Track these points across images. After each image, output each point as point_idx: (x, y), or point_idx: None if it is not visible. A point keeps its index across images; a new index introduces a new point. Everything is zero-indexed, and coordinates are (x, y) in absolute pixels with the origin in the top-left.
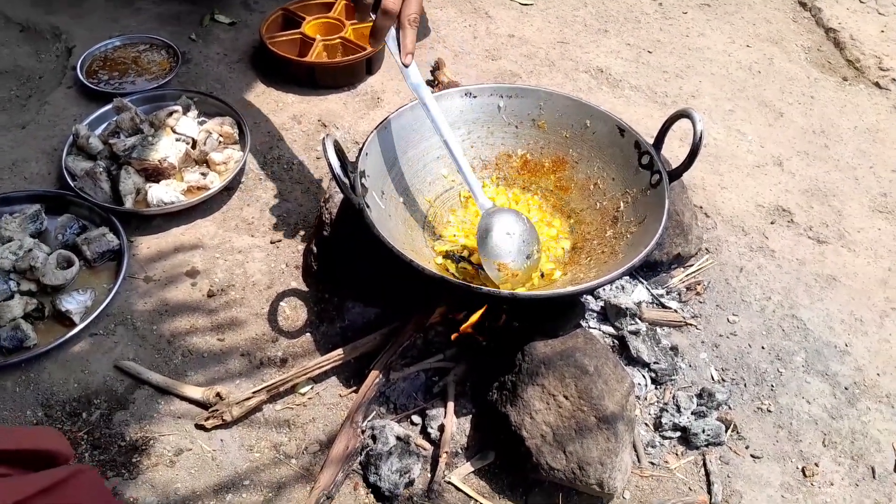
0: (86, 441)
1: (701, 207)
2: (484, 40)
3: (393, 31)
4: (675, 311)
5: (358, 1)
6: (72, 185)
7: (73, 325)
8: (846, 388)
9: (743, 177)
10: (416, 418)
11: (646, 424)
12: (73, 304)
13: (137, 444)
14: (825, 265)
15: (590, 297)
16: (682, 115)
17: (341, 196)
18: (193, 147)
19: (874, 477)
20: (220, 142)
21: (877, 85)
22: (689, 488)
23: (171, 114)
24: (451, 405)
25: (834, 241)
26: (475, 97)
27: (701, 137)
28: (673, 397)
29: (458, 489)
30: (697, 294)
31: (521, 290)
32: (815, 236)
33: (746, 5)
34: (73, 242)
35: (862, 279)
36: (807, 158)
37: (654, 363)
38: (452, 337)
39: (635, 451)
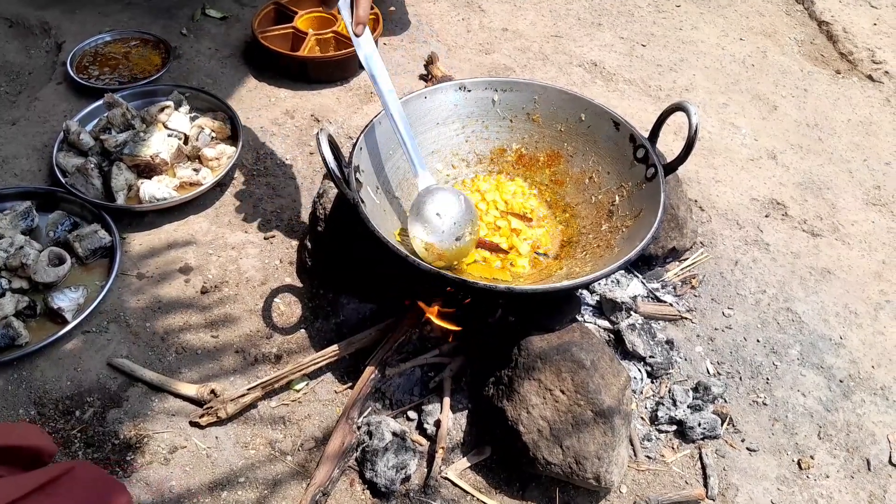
0: (79, 439)
1: (695, 201)
2: (477, 34)
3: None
4: (671, 304)
5: None
6: (63, 181)
7: (66, 322)
8: (841, 381)
9: (737, 170)
10: (413, 414)
11: (642, 418)
12: (65, 301)
13: (131, 441)
14: (819, 258)
15: (585, 292)
16: (678, 108)
17: (335, 191)
18: (185, 143)
19: (869, 469)
20: (212, 137)
21: (870, 78)
22: (686, 482)
23: (162, 109)
24: (447, 400)
25: (828, 234)
26: (469, 91)
27: (696, 130)
28: (669, 391)
29: (454, 484)
30: (692, 288)
31: (517, 285)
32: (810, 229)
33: None
34: (65, 239)
35: (856, 272)
36: (801, 151)
37: (650, 357)
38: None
39: (632, 444)
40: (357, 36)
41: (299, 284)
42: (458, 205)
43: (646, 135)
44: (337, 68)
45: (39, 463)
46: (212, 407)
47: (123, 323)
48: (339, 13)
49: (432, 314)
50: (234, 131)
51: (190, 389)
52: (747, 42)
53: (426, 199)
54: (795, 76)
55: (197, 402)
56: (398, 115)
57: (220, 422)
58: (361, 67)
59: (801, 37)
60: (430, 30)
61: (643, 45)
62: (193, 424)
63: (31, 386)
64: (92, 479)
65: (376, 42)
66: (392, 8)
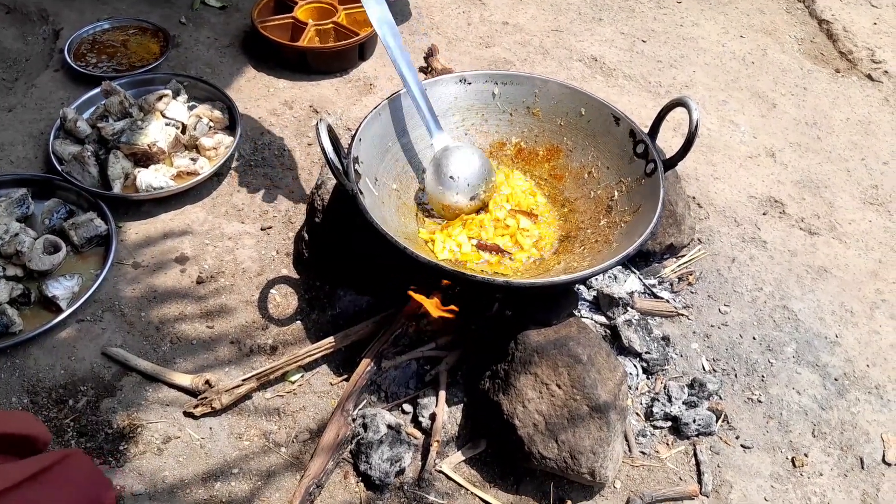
0: (72, 428)
1: (694, 198)
2: (478, 27)
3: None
4: (667, 301)
5: None
6: (59, 169)
7: (60, 310)
8: (836, 379)
9: (736, 167)
10: (408, 407)
11: (637, 414)
12: (59, 289)
13: (125, 431)
14: (816, 256)
15: (582, 286)
16: (678, 103)
17: (333, 182)
18: (183, 132)
19: (863, 467)
20: (210, 127)
21: (869, 77)
22: (680, 478)
23: (160, 98)
24: (442, 394)
25: (825, 233)
26: (470, 83)
27: (697, 126)
28: (664, 387)
29: (448, 478)
30: (689, 284)
31: (515, 279)
32: (807, 228)
33: None
34: (61, 227)
35: (853, 271)
36: (799, 150)
37: (646, 353)
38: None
39: (626, 440)
40: None
41: (296, 276)
42: (474, 164)
43: (645, 130)
44: (336, 59)
45: (34, 451)
46: (206, 397)
47: (118, 312)
48: None
49: (430, 304)
50: (232, 121)
51: (184, 380)
52: (748, 39)
53: (442, 160)
54: (795, 74)
55: (191, 392)
56: (412, 77)
57: (215, 412)
58: (361, 58)
59: (802, 35)
60: (430, 22)
61: (644, 41)
62: (187, 415)
63: (25, 374)
64: (84, 472)
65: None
66: None
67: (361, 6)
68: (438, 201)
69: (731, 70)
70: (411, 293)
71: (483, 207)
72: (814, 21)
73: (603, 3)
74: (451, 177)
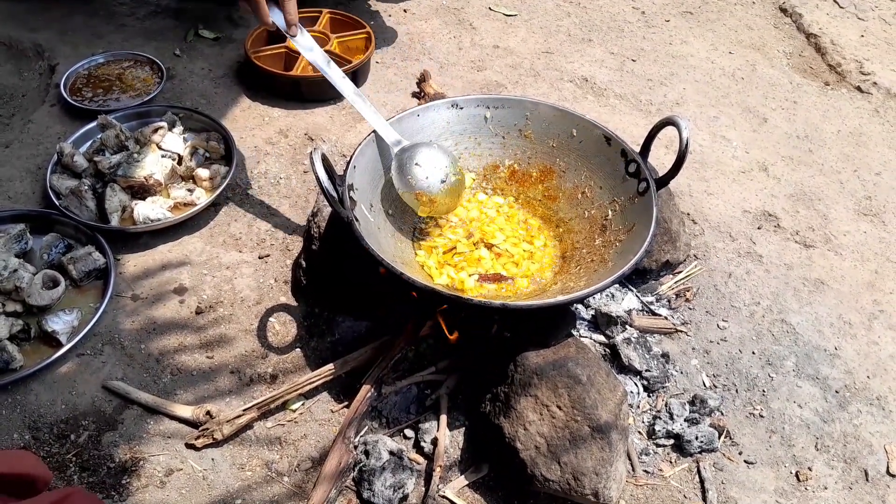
0: (74, 463)
1: (688, 214)
2: (469, 51)
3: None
4: (666, 318)
5: None
6: (57, 203)
7: (60, 345)
8: (837, 392)
9: (729, 182)
10: (409, 432)
11: (639, 433)
12: (59, 324)
13: (127, 465)
14: (813, 269)
15: (580, 306)
16: (668, 122)
17: (329, 210)
18: (179, 163)
19: (867, 480)
20: (206, 157)
21: (858, 89)
22: (684, 496)
23: (156, 130)
24: (443, 418)
25: (820, 245)
26: (462, 108)
27: (687, 145)
28: (665, 405)
29: (452, 503)
30: (687, 301)
31: (512, 301)
32: (802, 240)
33: (728, 12)
34: (59, 262)
35: (849, 282)
36: (791, 163)
37: (646, 371)
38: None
39: (629, 459)
40: (292, 37)
41: (294, 303)
42: (434, 151)
43: (637, 149)
44: (330, 87)
45: (34, 491)
46: (207, 428)
47: (118, 345)
48: (277, 25)
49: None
50: (227, 151)
51: (185, 411)
52: (737, 55)
53: (403, 156)
54: (785, 88)
55: (192, 423)
56: (355, 96)
57: (216, 443)
58: (355, 85)
59: (790, 49)
60: (422, 47)
61: (633, 60)
62: (189, 446)
63: (26, 410)
64: None
65: (370, 61)
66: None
67: (353, 34)
68: (411, 194)
69: (721, 86)
70: (439, 317)
71: (456, 197)
72: (801, 35)
73: (592, 23)
74: (416, 163)
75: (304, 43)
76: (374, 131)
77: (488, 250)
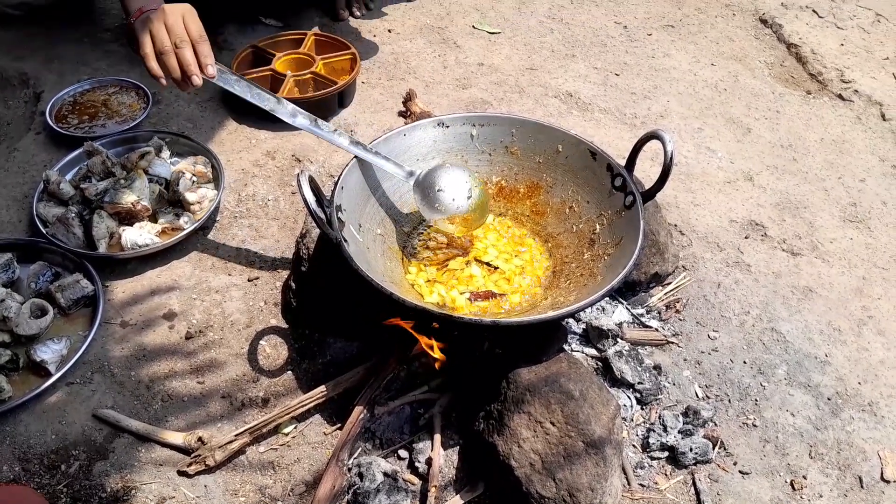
0: (65, 494)
1: (675, 226)
2: (454, 70)
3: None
4: (656, 329)
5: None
6: (44, 231)
7: (49, 374)
8: (829, 399)
9: (715, 193)
10: (403, 452)
11: (633, 446)
12: (47, 353)
13: (119, 494)
14: (801, 277)
15: (571, 320)
16: (653, 136)
17: (318, 231)
18: (167, 188)
19: (862, 486)
20: (193, 181)
21: (840, 97)
22: None
23: (142, 156)
24: (437, 437)
25: (808, 253)
26: (448, 127)
27: (672, 158)
28: (659, 417)
29: None
30: (677, 312)
31: (503, 318)
32: (789, 249)
33: (709, 24)
34: (47, 290)
35: (837, 289)
36: (776, 172)
37: (639, 383)
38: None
39: (624, 473)
40: (211, 79)
41: (285, 326)
42: (450, 171)
43: (623, 163)
44: (316, 108)
45: None
46: (199, 455)
47: (108, 373)
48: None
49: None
50: (215, 174)
51: (177, 438)
52: (719, 67)
53: (423, 186)
54: (767, 98)
55: (184, 450)
56: (360, 150)
57: (209, 470)
58: (341, 105)
59: (771, 59)
60: (407, 67)
61: (617, 75)
62: (181, 474)
63: (15, 441)
64: None
65: (356, 81)
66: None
67: (338, 55)
68: (444, 220)
69: (704, 98)
70: (419, 336)
71: (485, 204)
72: (782, 45)
73: (575, 39)
74: (439, 189)
75: (289, 110)
76: (356, 157)
77: (480, 268)
